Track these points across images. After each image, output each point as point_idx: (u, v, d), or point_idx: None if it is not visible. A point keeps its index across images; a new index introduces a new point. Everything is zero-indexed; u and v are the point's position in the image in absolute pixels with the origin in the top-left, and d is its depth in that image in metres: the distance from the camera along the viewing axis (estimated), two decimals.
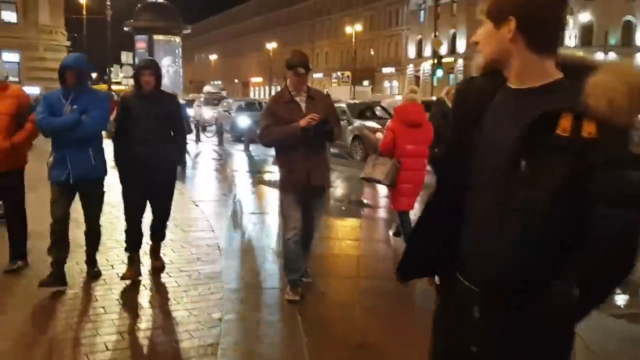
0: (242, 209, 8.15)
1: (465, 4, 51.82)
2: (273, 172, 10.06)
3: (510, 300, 1.48)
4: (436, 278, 1.77)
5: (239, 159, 15.00)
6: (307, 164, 4.29)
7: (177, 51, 16.94)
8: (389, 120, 6.68)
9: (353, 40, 56.84)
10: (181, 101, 18.81)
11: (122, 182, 4.85)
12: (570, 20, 48.02)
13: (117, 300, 4.39)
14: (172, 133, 4.88)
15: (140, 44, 16.45)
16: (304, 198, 4.38)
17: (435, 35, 36.35)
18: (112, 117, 4.80)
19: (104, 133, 4.72)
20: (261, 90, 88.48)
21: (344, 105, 16.26)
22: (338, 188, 9.96)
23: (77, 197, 4.66)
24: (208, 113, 24.98)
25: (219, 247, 5.92)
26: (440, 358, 1.76)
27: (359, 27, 59.00)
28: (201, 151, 16.88)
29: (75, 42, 39.97)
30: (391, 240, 6.45)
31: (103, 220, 4.99)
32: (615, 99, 1.35)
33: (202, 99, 29.46)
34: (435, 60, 35.31)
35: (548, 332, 1.46)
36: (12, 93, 4.83)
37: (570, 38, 45.82)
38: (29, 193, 5.14)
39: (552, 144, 1.40)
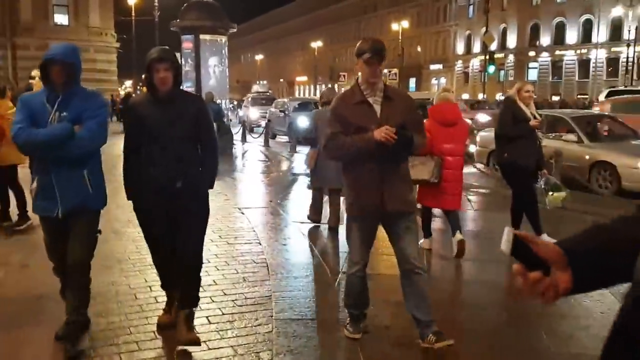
0: (292, 218, 7.49)
1: None
2: None
3: None
4: None
5: (287, 160, 14.45)
6: (381, 184, 3.45)
7: (223, 51, 16.55)
8: (424, 120, 6.11)
9: (400, 37, 55.82)
10: (227, 103, 18.64)
11: (136, 211, 3.76)
12: (629, 13, 45.72)
13: (153, 332, 3.82)
14: (199, 148, 3.71)
15: (187, 44, 16.13)
16: (384, 226, 3.65)
17: (486, 31, 34.99)
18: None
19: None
20: (306, 89, 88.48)
21: None
22: None
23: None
24: (255, 113, 24.53)
25: (267, 264, 5.34)
26: None
27: (405, 23, 57.94)
28: (247, 151, 16.44)
29: (124, 43, 40.53)
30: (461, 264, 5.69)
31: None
32: None
33: (249, 98, 29.17)
34: (487, 57, 34.02)
35: None
36: None
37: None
38: None
39: None
